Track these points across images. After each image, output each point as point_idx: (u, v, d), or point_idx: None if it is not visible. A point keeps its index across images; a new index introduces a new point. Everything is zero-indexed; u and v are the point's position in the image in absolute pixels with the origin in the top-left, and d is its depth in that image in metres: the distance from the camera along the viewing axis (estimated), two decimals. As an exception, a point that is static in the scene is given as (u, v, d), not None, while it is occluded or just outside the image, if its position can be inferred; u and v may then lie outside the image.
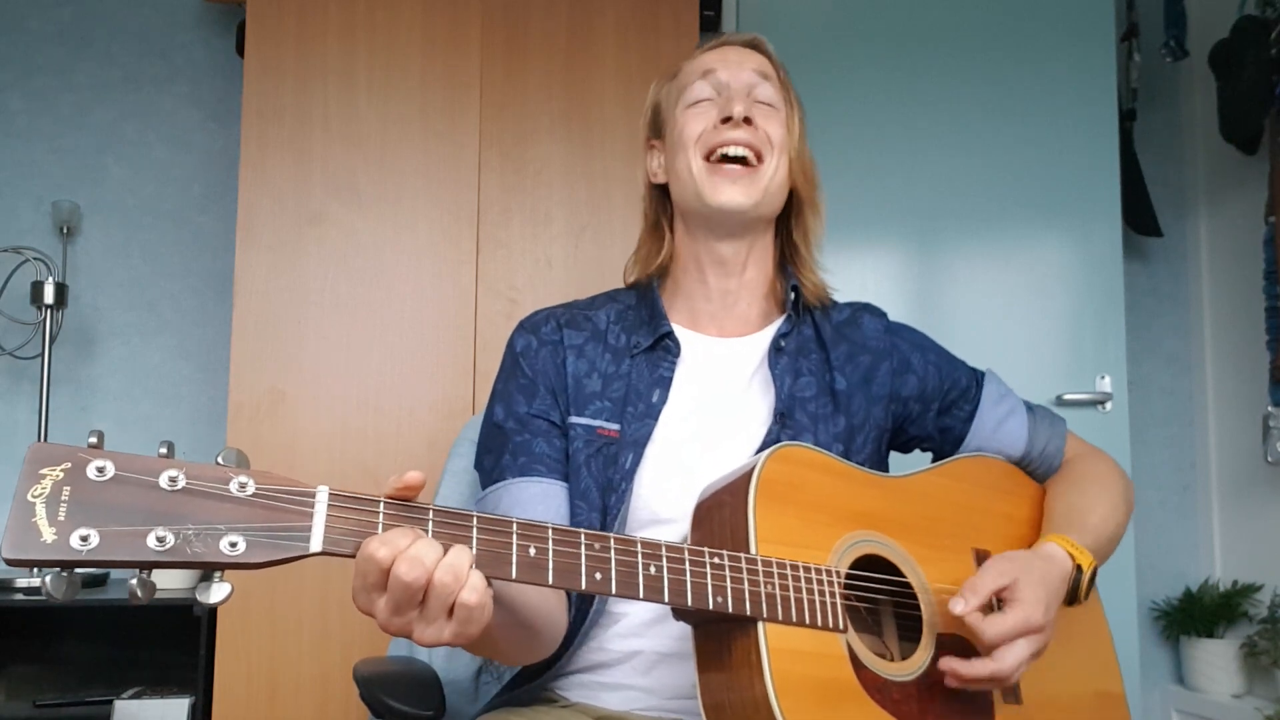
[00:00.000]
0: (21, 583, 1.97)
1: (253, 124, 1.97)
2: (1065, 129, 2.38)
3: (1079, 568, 1.04)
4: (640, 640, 1.07)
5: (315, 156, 1.99)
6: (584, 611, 1.07)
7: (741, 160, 1.11)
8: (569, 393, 1.12)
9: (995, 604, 0.97)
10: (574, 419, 1.11)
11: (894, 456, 1.25)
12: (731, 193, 1.10)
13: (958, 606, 0.94)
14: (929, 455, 1.27)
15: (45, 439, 2.15)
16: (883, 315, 1.25)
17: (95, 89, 2.44)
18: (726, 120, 1.11)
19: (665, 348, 1.14)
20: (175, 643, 2.04)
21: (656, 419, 1.10)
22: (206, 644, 1.87)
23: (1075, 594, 1.04)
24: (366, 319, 1.97)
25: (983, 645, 0.95)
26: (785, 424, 1.11)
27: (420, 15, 2.06)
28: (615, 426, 1.10)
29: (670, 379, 1.13)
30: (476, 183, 2.04)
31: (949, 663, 0.95)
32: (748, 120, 1.11)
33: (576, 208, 2.07)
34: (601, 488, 1.08)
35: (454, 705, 1.28)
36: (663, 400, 1.11)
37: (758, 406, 1.14)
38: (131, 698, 1.92)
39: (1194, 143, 2.73)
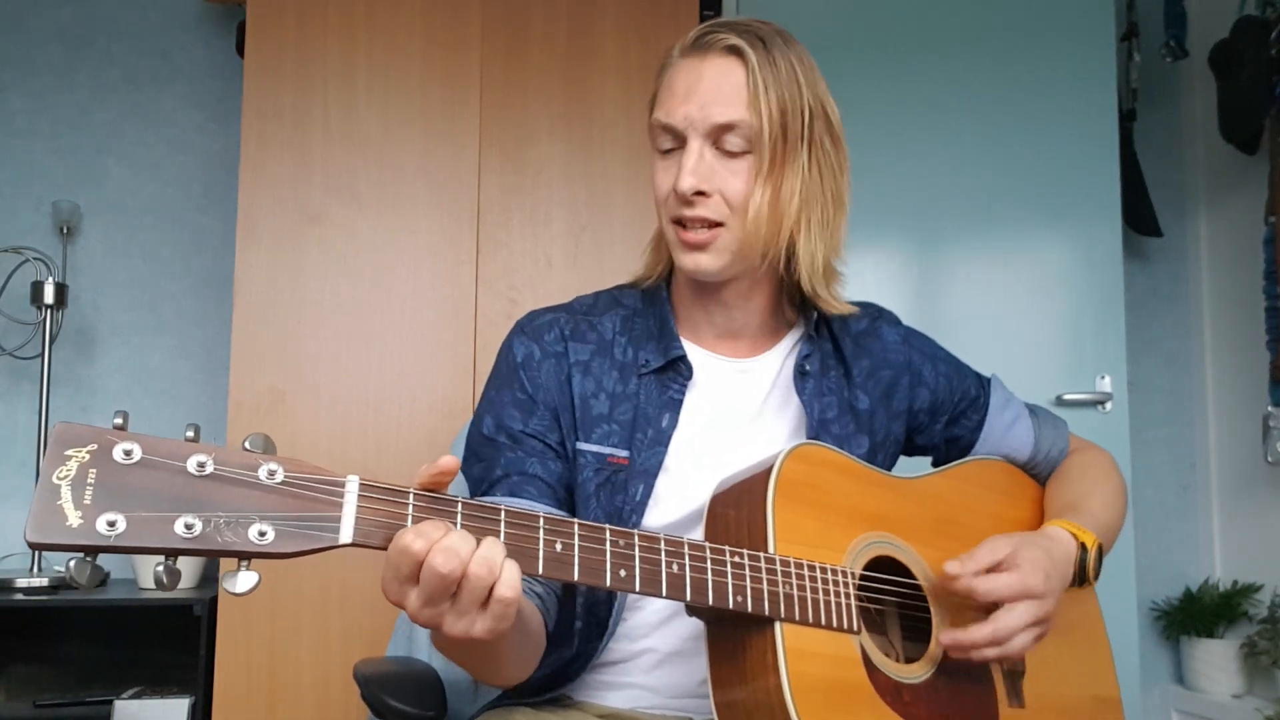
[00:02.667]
0: (21, 583, 1.97)
1: (253, 124, 1.97)
2: (1065, 129, 2.38)
3: (1083, 546, 1.05)
4: (648, 640, 1.06)
5: (315, 156, 1.99)
6: (602, 622, 1.05)
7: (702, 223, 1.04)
8: (575, 414, 1.07)
9: None
10: (581, 445, 1.06)
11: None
12: (699, 260, 1.04)
13: (953, 566, 0.95)
14: (928, 460, 1.26)
15: (45, 439, 2.15)
16: (898, 323, 1.23)
17: (95, 89, 2.44)
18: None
19: (676, 369, 1.10)
20: (175, 643, 2.04)
21: (666, 446, 1.06)
22: (206, 644, 1.87)
23: (1084, 573, 1.04)
24: (366, 319, 1.97)
25: (980, 606, 0.95)
26: None
27: (420, 15, 2.05)
28: (624, 454, 1.06)
29: (680, 401, 1.08)
30: (476, 183, 2.04)
31: (950, 634, 0.94)
32: (700, 192, 1.02)
33: (576, 208, 2.07)
34: (610, 516, 1.05)
35: (454, 705, 1.28)
36: (672, 425, 1.07)
37: (774, 430, 1.11)
38: (131, 698, 1.91)
39: (1194, 143, 2.73)
